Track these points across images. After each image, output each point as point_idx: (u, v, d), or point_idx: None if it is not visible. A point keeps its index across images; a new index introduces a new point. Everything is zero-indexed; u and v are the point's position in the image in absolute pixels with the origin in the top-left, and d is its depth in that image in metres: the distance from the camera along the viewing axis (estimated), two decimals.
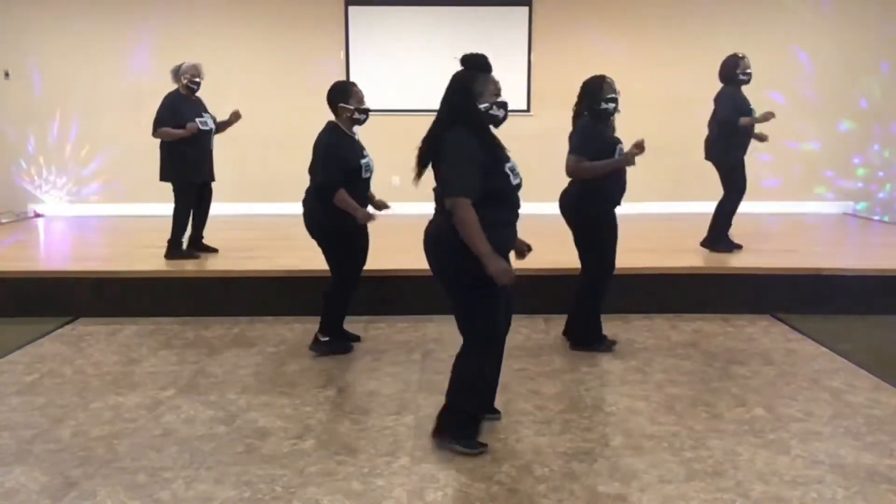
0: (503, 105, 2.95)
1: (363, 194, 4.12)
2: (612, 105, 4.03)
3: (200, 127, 5.50)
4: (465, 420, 3.08)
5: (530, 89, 8.35)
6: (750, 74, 5.58)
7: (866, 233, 7.24)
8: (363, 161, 4.05)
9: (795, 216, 8.05)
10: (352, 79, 8.15)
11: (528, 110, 8.31)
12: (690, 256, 5.68)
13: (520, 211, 2.98)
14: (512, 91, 8.29)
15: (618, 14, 8.30)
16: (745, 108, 5.55)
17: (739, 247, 5.83)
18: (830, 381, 3.91)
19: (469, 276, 2.83)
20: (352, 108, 4.03)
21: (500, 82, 2.97)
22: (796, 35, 8.29)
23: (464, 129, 2.85)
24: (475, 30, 8.11)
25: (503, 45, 8.18)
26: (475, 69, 2.93)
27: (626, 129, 4.26)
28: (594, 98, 4.04)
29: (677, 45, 8.27)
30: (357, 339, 4.52)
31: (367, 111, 4.08)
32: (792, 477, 2.88)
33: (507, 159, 2.93)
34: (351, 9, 8.26)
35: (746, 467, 2.96)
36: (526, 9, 8.26)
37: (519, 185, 2.94)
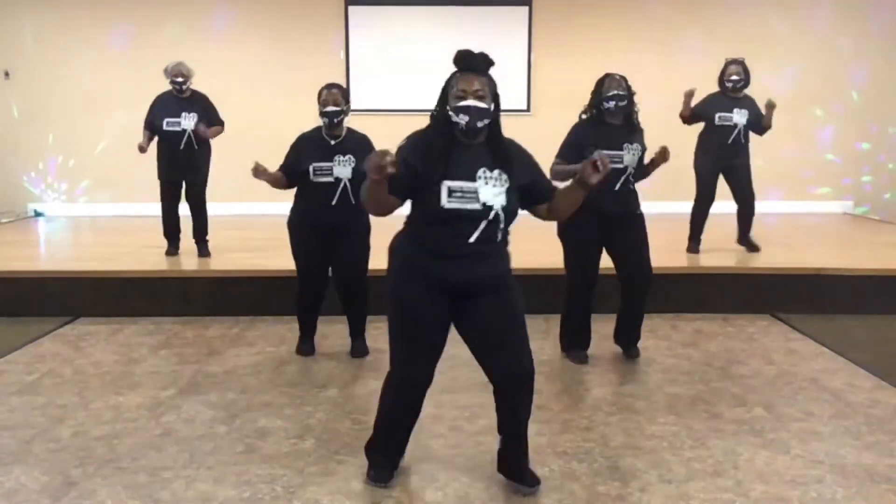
0: (464, 109, 2.51)
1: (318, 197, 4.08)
2: (612, 103, 3.93)
3: (164, 127, 5.54)
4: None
5: (530, 89, 8.35)
6: (734, 81, 5.60)
7: (866, 233, 7.24)
8: (313, 165, 4.03)
9: (795, 216, 8.05)
10: (352, 79, 8.17)
11: (527, 110, 8.31)
12: (690, 256, 5.68)
13: (468, 240, 2.51)
14: (512, 91, 8.29)
15: (618, 14, 8.30)
16: (707, 111, 5.66)
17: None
18: (830, 381, 3.91)
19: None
20: (319, 111, 4.06)
21: (478, 83, 2.52)
22: (792, 34, 8.29)
23: (425, 130, 2.65)
24: (475, 30, 8.09)
25: (503, 45, 8.16)
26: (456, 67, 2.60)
27: None
28: (596, 96, 4.01)
29: (677, 45, 8.27)
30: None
31: (324, 114, 4.03)
32: (792, 477, 2.88)
33: (454, 176, 2.51)
34: (351, 9, 8.27)
35: (746, 467, 2.96)
36: (526, 9, 8.27)
37: (459, 210, 2.50)
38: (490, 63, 2.59)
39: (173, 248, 5.85)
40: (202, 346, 4.55)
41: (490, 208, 2.52)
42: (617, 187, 3.94)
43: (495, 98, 2.59)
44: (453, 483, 2.84)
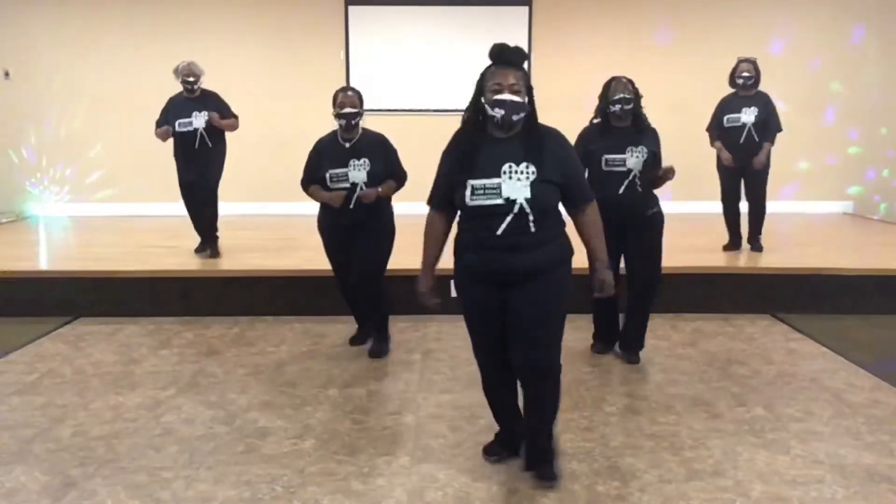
0: (500, 103, 2.56)
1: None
2: (617, 107, 3.90)
3: (177, 128, 5.54)
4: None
5: None
6: (745, 78, 5.62)
7: (866, 233, 7.24)
8: (329, 172, 4.04)
9: (795, 216, 8.05)
10: (352, 79, 8.17)
11: None
12: (690, 256, 5.68)
13: (496, 233, 2.58)
14: None
15: (618, 14, 8.29)
16: (720, 115, 5.72)
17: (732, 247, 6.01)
18: (830, 381, 3.91)
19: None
20: (334, 112, 4.07)
21: (513, 76, 2.56)
22: (791, 34, 8.29)
23: (459, 130, 2.74)
24: (475, 30, 8.09)
25: None
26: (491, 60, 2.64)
27: None
28: (603, 100, 3.99)
29: (678, 45, 8.27)
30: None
31: (340, 115, 4.03)
32: (792, 477, 2.88)
33: (479, 174, 2.57)
34: (351, 9, 8.26)
35: (746, 467, 2.96)
36: (526, 9, 8.26)
37: (483, 206, 2.57)
38: (525, 57, 2.64)
39: (203, 246, 5.86)
40: (202, 346, 4.55)
41: (514, 202, 2.56)
42: (620, 191, 3.92)
43: (529, 91, 2.63)
44: (453, 483, 2.84)
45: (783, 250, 5.95)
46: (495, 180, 2.56)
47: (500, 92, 2.56)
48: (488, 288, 2.69)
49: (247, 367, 4.18)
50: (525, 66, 2.65)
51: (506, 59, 2.61)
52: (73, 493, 2.77)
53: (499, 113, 2.58)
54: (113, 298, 5.19)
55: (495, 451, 3.03)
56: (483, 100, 2.61)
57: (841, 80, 8.32)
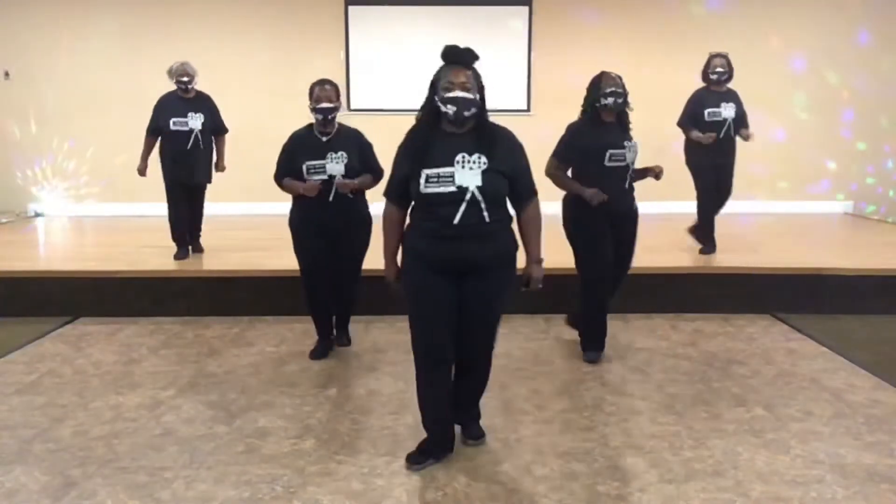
0: (452, 100, 2.70)
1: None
2: (610, 100, 3.90)
3: (171, 127, 5.52)
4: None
5: (530, 89, 8.34)
6: (719, 73, 5.58)
7: (866, 233, 7.24)
8: (307, 163, 3.99)
9: (796, 216, 8.05)
10: (352, 79, 8.18)
11: (527, 110, 8.30)
12: (690, 256, 5.68)
13: (453, 222, 2.70)
14: (512, 91, 8.31)
15: (618, 14, 8.29)
16: (697, 109, 5.58)
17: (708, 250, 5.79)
18: (830, 381, 3.91)
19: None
20: (310, 106, 4.02)
21: (464, 75, 2.72)
22: (791, 33, 8.29)
23: (414, 126, 2.86)
24: (475, 30, 8.09)
25: (503, 45, 8.18)
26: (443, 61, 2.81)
27: None
28: (593, 94, 3.98)
29: (677, 44, 8.26)
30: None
31: (317, 110, 3.98)
32: (792, 477, 2.88)
33: (433, 163, 2.70)
34: (351, 9, 8.26)
35: (746, 467, 2.96)
36: (526, 9, 8.26)
37: (437, 194, 2.69)
38: (475, 57, 2.79)
39: (184, 251, 5.77)
40: (202, 346, 4.55)
41: (465, 189, 2.69)
42: (627, 185, 4.00)
43: (481, 90, 2.79)
44: (453, 483, 2.84)
45: (783, 250, 5.95)
46: (449, 169, 2.69)
47: (451, 90, 2.72)
48: (443, 277, 2.79)
49: (247, 367, 4.18)
50: (476, 66, 2.79)
51: (457, 59, 2.76)
52: (73, 493, 2.77)
53: (451, 109, 2.72)
54: (113, 298, 5.19)
55: (420, 459, 2.96)
56: (437, 98, 2.75)
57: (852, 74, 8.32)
